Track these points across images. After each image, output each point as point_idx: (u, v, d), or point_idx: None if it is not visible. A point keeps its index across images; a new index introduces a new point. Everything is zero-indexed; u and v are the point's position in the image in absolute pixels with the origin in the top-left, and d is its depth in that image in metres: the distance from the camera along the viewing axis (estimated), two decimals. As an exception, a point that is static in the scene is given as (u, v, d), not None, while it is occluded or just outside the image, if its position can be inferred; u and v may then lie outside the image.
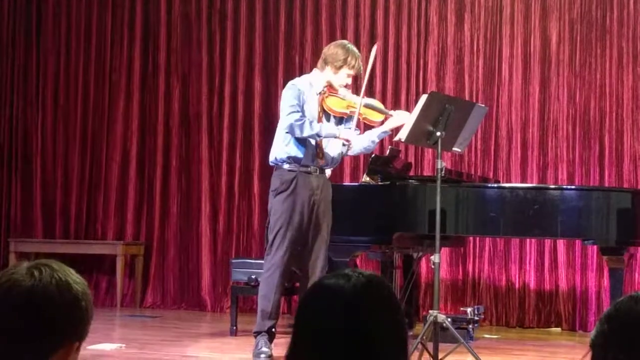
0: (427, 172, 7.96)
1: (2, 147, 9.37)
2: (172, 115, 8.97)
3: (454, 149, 5.70)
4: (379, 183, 6.29)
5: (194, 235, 8.81)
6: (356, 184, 7.49)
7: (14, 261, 8.54)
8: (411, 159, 8.02)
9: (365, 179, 6.41)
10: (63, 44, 9.29)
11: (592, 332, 1.68)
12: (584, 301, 7.78)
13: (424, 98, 5.47)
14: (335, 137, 5.50)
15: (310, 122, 5.41)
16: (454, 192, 5.91)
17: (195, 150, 8.88)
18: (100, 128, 9.14)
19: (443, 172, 5.42)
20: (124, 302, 8.77)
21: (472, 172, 7.91)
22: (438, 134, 5.34)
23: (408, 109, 7.97)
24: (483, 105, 6.12)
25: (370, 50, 5.75)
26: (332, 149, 5.58)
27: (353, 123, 5.54)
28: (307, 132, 5.40)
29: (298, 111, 5.43)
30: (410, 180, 6.30)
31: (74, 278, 1.65)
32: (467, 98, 7.86)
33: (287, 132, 5.45)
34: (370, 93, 8.29)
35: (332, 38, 8.38)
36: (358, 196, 6.19)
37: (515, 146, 8.03)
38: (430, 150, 7.86)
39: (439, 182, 5.34)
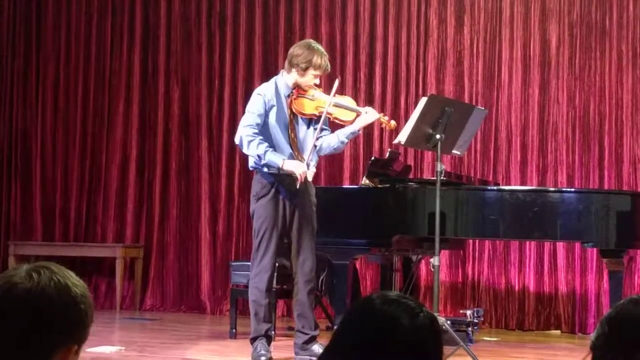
0: (426, 175, 7.95)
1: (2, 150, 9.37)
2: (171, 118, 8.97)
3: (453, 151, 5.70)
4: (379, 186, 6.28)
5: (194, 238, 8.80)
6: (355, 186, 7.48)
7: (14, 264, 8.53)
8: (411, 162, 8.02)
9: (365, 181, 6.40)
10: (63, 47, 9.29)
11: (593, 335, 1.68)
12: (583, 304, 7.77)
13: (423, 101, 5.47)
14: (279, 169, 5.32)
15: (259, 144, 5.30)
16: (454, 194, 5.91)
17: (194, 153, 8.88)
18: (100, 131, 9.14)
19: (442, 174, 5.42)
20: (124, 304, 8.77)
21: (472, 174, 7.90)
22: (437, 136, 5.34)
23: (408, 111, 8.00)
24: (482, 108, 6.12)
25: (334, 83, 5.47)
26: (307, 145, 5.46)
27: (320, 123, 5.41)
28: (251, 151, 5.33)
29: (255, 126, 5.35)
30: (410, 183, 6.29)
31: (73, 281, 1.65)
32: (466, 101, 7.86)
33: (237, 143, 5.38)
34: (370, 96, 8.31)
35: (331, 41, 8.39)
36: (357, 199, 6.19)
37: (514, 149, 8.03)
38: (429, 152, 7.86)
39: (438, 184, 5.34)
